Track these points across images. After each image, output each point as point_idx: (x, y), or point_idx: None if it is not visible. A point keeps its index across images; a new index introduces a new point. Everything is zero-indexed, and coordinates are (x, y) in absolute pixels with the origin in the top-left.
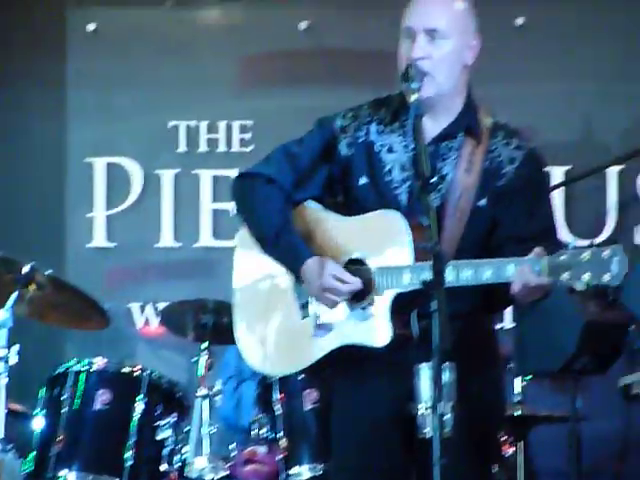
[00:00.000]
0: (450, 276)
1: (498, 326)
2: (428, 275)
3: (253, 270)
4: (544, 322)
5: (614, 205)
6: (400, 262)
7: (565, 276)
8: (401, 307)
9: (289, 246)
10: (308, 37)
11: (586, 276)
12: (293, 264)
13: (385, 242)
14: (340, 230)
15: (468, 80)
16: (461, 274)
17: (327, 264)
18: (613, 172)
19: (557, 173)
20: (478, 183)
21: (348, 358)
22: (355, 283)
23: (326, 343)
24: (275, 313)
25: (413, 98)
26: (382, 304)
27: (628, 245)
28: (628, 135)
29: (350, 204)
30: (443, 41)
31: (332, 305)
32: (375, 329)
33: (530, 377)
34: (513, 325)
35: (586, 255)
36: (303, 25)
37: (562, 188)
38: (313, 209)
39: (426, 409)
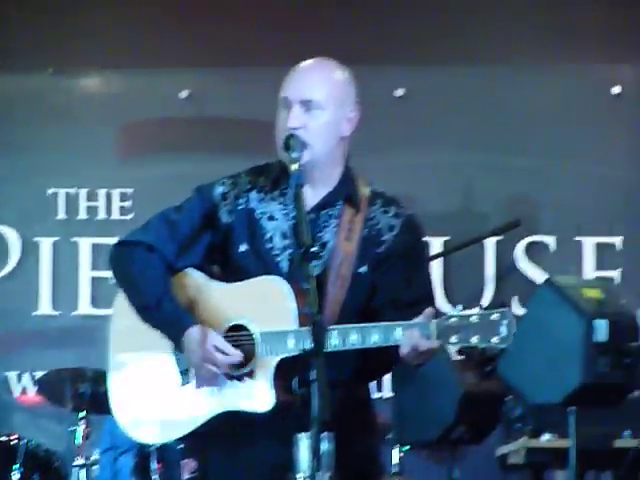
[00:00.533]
0: (336, 340)
1: (377, 395)
2: (311, 341)
3: (130, 336)
4: (422, 392)
5: (492, 276)
6: (284, 327)
7: (454, 339)
8: (284, 372)
9: (170, 315)
10: (189, 105)
11: (475, 339)
12: (174, 333)
13: (268, 307)
14: (222, 296)
15: (346, 151)
16: (348, 338)
17: (208, 334)
18: (491, 243)
19: (436, 243)
20: (358, 250)
21: (225, 427)
22: (235, 356)
23: (207, 409)
24: (154, 380)
25: (294, 167)
26: (265, 369)
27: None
28: (506, 206)
29: (231, 272)
30: (319, 112)
31: (210, 376)
32: (258, 395)
33: (408, 447)
34: (392, 395)
35: (475, 318)
36: (184, 94)
37: (441, 258)
38: (193, 277)
39: (304, 479)
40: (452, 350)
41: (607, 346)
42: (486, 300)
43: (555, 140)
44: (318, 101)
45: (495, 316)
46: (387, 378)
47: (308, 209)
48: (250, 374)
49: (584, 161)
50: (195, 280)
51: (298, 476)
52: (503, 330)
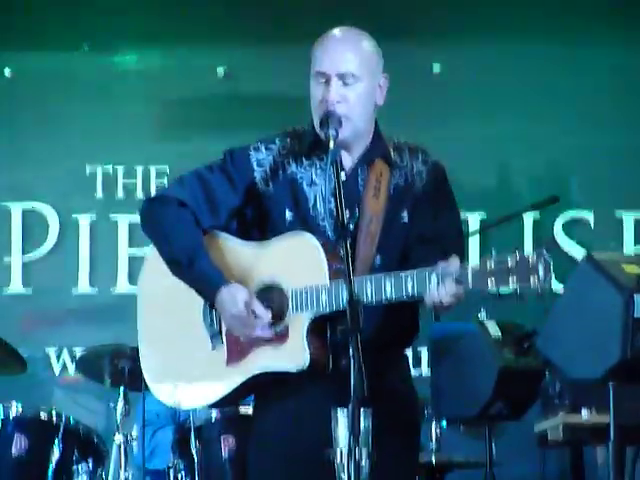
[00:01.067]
0: (370, 291)
1: (414, 372)
2: (346, 294)
3: (160, 300)
4: (459, 368)
5: (531, 252)
6: (315, 282)
7: (490, 282)
8: (318, 330)
9: (204, 271)
10: (226, 83)
11: (512, 281)
12: (207, 291)
13: (299, 263)
14: (252, 255)
15: (375, 114)
16: (382, 288)
17: (240, 293)
18: (529, 219)
19: (472, 220)
20: (396, 200)
21: (266, 388)
22: (264, 317)
23: (241, 371)
24: (184, 345)
25: (332, 145)
26: (298, 327)
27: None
28: (544, 182)
29: (273, 236)
30: (356, 84)
31: (243, 336)
32: (292, 353)
33: (446, 423)
34: (429, 372)
35: (511, 261)
36: (221, 71)
37: (477, 235)
38: (223, 237)
39: (342, 455)
40: (491, 328)
41: None
42: None
43: (594, 114)
44: (355, 73)
45: (532, 258)
46: (424, 354)
47: (347, 171)
48: (283, 333)
49: (623, 135)
50: (224, 241)
51: (336, 452)
52: (540, 271)
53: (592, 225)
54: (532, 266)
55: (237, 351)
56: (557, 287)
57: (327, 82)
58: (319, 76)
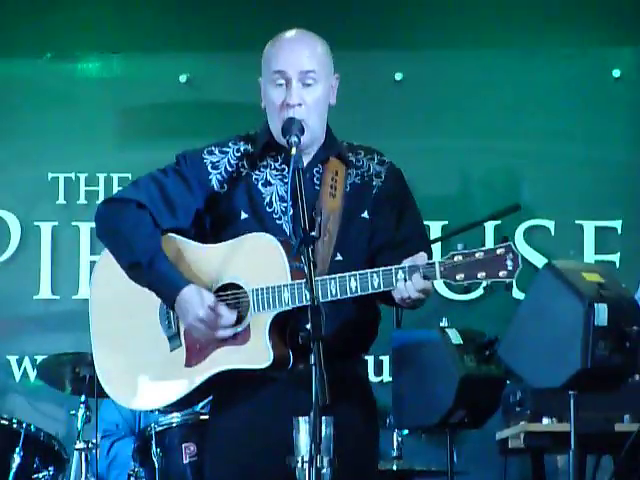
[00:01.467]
0: (335, 289)
1: (376, 379)
2: (307, 294)
3: (112, 306)
4: (421, 376)
5: (499, 245)
6: (276, 282)
7: (460, 277)
8: (280, 328)
9: (163, 273)
10: (188, 90)
11: (481, 275)
12: (167, 292)
13: (258, 263)
14: (210, 256)
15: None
16: (347, 285)
17: (203, 294)
18: (490, 227)
19: (434, 228)
20: (355, 197)
21: (224, 387)
22: (229, 317)
23: (201, 372)
24: (141, 347)
25: (294, 151)
26: (260, 326)
27: (506, 299)
28: (505, 190)
29: (228, 237)
30: (316, 86)
31: (204, 337)
32: (255, 351)
33: (407, 431)
34: (390, 379)
35: (479, 254)
36: (183, 78)
37: (440, 243)
38: (179, 238)
39: (303, 462)
40: (452, 335)
41: (607, 330)
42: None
43: (554, 123)
44: (315, 70)
45: (500, 251)
46: (386, 362)
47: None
48: (244, 332)
49: (584, 144)
50: (181, 243)
51: (298, 460)
52: (509, 264)
53: (553, 233)
54: (500, 260)
55: (196, 352)
56: (518, 295)
57: (287, 84)
58: (277, 76)
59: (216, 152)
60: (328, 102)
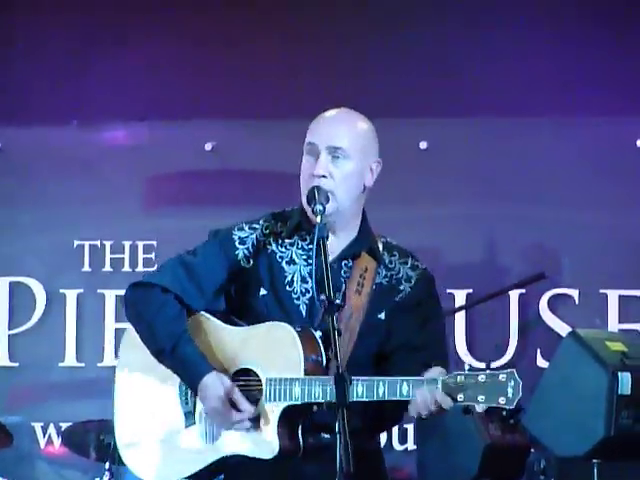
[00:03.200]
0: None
1: (400, 447)
2: (318, 390)
3: (137, 373)
4: (445, 444)
5: (516, 328)
6: (290, 374)
7: (460, 397)
8: (289, 420)
9: (187, 357)
10: (213, 158)
11: (481, 398)
12: (190, 378)
13: (275, 353)
14: (232, 340)
15: (364, 202)
16: (355, 390)
17: (225, 384)
18: (515, 295)
19: (459, 296)
20: (377, 297)
21: (235, 470)
22: (248, 412)
23: (211, 453)
24: (158, 419)
25: (318, 219)
26: (270, 416)
27: (530, 368)
28: (529, 258)
29: (250, 316)
30: (345, 161)
31: (223, 425)
32: (262, 441)
33: None
34: (415, 447)
35: (482, 377)
36: (209, 146)
37: (464, 311)
38: (206, 318)
39: None
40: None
41: (631, 399)
42: (510, 352)
43: (578, 192)
44: (345, 149)
45: (502, 377)
46: (411, 430)
47: (331, 259)
48: (255, 420)
49: (608, 213)
50: (207, 323)
51: None
52: (510, 391)
53: (577, 302)
54: (501, 386)
55: (210, 432)
56: (543, 363)
57: (317, 156)
58: (309, 148)
59: (246, 228)
60: (362, 183)
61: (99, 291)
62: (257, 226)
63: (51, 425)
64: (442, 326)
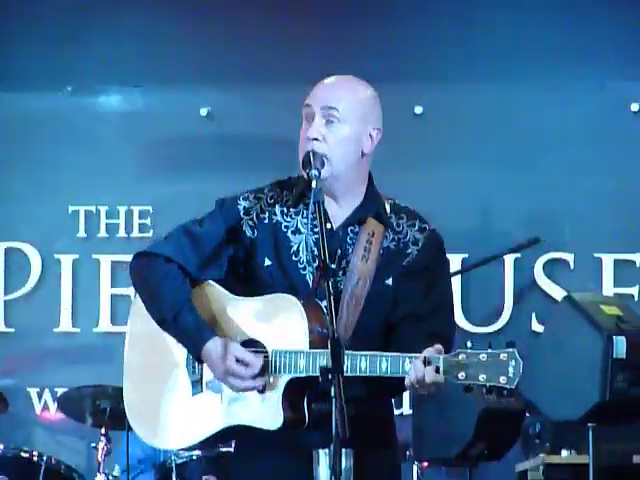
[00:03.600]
0: (346, 366)
1: (396, 412)
2: (323, 361)
3: (145, 340)
4: (441, 409)
5: (511, 293)
6: (295, 346)
7: (461, 375)
8: (294, 392)
9: (188, 327)
10: (208, 123)
11: (482, 377)
12: (193, 346)
13: (281, 326)
14: (238, 311)
15: (368, 168)
16: (357, 365)
17: (229, 346)
18: (510, 260)
19: (454, 261)
20: (384, 263)
21: (242, 438)
22: (256, 365)
23: (217, 422)
24: (166, 387)
25: (314, 184)
26: (275, 387)
27: (525, 332)
28: (525, 223)
29: (255, 286)
30: (339, 125)
31: (236, 388)
32: (267, 412)
33: (427, 463)
34: (411, 411)
35: (483, 357)
36: (204, 111)
37: (459, 276)
38: (212, 289)
39: None
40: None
41: (625, 362)
42: (505, 317)
43: (573, 157)
44: (340, 111)
45: (503, 356)
46: (406, 395)
47: (336, 225)
48: (262, 390)
49: (602, 178)
50: (213, 293)
51: None
52: (510, 371)
53: (572, 266)
54: (502, 365)
55: (216, 402)
56: (537, 327)
57: (312, 119)
58: (306, 111)
59: (250, 198)
60: (359, 148)
61: (94, 256)
62: (262, 195)
63: (46, 390)
64: (448, 291)
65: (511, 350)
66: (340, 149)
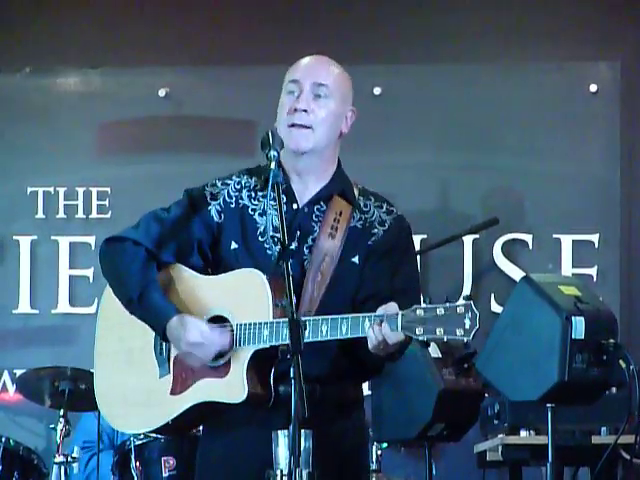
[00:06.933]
0: (308, 331)
1: None
2: (286, 332)
3: (115, 326)
4: (400, 389)
5: (470, 273)
6: (260, 319)
7: (419, 331)
8: (258, 366)
9: (152, 305)
10: (167, 104)
11: (439, 331)
12: (157, 323)
13: (245, 299)
14: (203, 289)
15: (338, 150)
16: (318, 329)
17: (191, 321)
18: (469, 241)
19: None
20: (351, 241)
21: (210, 417)
22: (222, 338)
23: (184, 400)
24: (134, 370)
25: (272, 165)
26: (240, 361)
27: (484, 313)
28: (484, 205)
29: (222, 269)
30: (327, 100)
31: (200, 362)
32: (231, 386)
33: (386, 445)
34: (369, 393)
35: (440, 310)
36: (162, 92)
37: (419, 256)
38: (179, 269)
39: (283, 476)
40: (431, 349)
41: (584, 343)
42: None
43: (531, 138)
44: (329, 87)
45: (460, 309)
46: None
47: (302, 203)
48: (226, 365)
49: (560, 159)
50: (181, 274)
51: (277, 473)
52: (467, 323)
53: (530, 247)
54: (459, 318)
55: (182, 381)
56: (497, 308)
57: (300, 93)
58: (291, 85)
59: (218, 184)
60: (339, 127)
61: (53, 237)
62: (230, 182)
63: (5, 372)
64: (414, 275)
65: (467, 302)
66: (326, 124)
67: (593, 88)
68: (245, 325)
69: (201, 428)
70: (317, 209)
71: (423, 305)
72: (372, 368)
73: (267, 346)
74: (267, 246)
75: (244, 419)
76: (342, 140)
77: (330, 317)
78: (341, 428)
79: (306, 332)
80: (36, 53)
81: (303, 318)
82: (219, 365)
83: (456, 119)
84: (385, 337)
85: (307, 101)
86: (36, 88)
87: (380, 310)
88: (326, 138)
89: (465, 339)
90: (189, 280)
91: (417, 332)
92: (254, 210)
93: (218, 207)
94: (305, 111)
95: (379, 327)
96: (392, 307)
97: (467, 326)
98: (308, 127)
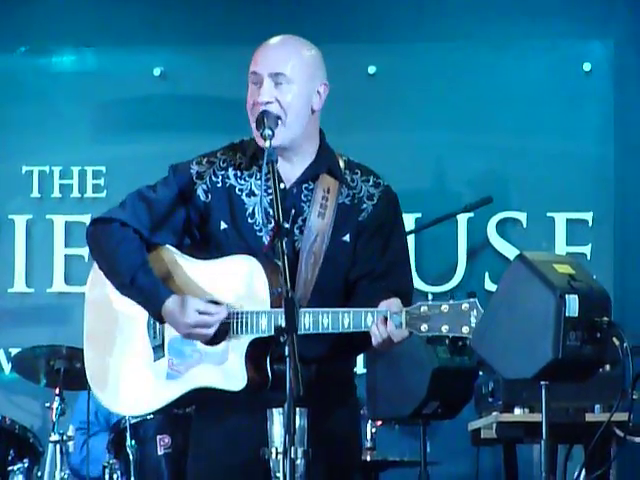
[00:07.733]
0: (308, 323)
1: None
2: (283, 321)
3: (105, 307)
4: (394, 367)
5: (464, 252)
6: (257, 307)
7: (424, 328)
8: (256, 352)
9: (147, 287)
10: (162, 83)
11: (444, 328)
12: (153, 305)
13: (242, 287)
14: (197, 274)
15: (318, 125)
16: (319, 322)
17: (188, 300)
18: (463, 220)
19: (408, 220)
20: (341, 219)
21: (205, 400)
22: (222, 311)
23: (180, 386)
24: (127, 354)
25: (267, 144)
26: (238, 348)
27: (479, 291)
28: (478, 183)
29: (212, 249)
30: (288, 86)
31: (204, 339)
32: (230, 373)
33: (380, 422)
34: (364, 371)
35: (445, 308)
36: (157, 71)
37: (413, 235)
38: (169, 252)
39: (278, 454)
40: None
41: (578, 321)
42: (458, 276)
43: (525, 117)
44: (286, 75)
45: (465, 306)
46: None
47: (290, 183)
48: (223, 352)
49: (555, 138)
50: (171, 256)
51: (272, 451)
52: (472, 321)
53: (524, 225)
54: (464, 316)
55: (178, 365)
56: (491, 286)
57: (260, 84)
58: (252, 77)
59: (203, 162)
60: (309, 106)
61: (48, 217)
62: (215, 159)
63: (1, 351)
64: (404, 247)
65: (472, 300)
66: (293, 110)
67: (587, 67)
68: (242, 314)
69: (194, 407)
70: (305, 188)
71: (428, 302)
72: (361, 347)
73: (265, 336)
74: (257, 228)
75: (239, 399)
76: (329, 117)
77: (331, 310)
78: (335, 407)
79: (306, 324)
80: (31, 33)
81: (302, 310)
82: (216, 351)
83: (450, 97)
84: (390, 335)
85: (269, 92)
86: (31, 67)
87: (382, 305)
88: (297, 122)
89: (471, 337)
90: (181, 263)
91: (422, 329)
92: (241, 190)
93: (204, 187)
94: (269, 102)
95: (384, 325)
96: (395, 303)
97: (473, 324)
98: (277, 117)
